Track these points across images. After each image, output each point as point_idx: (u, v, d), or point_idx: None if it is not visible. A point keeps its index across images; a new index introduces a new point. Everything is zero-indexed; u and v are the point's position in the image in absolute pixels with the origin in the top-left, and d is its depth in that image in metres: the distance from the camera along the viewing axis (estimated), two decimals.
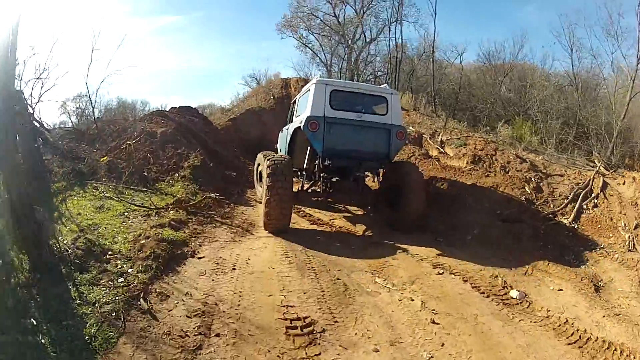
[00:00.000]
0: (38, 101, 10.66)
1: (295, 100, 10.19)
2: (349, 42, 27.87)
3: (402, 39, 25.49)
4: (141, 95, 65.08)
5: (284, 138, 10.40)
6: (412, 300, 5.62)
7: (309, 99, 8.17)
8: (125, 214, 8.05)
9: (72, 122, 15.59)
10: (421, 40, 27.59)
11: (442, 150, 13.55)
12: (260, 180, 10.71)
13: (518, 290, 6.00)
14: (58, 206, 8.42)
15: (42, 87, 10.59)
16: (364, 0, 27.63)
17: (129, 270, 5.48)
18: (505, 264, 7.11)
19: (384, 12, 27.31)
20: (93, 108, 12.24)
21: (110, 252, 6.02)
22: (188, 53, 65.88)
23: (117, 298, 4.82)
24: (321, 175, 8.56)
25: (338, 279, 6.08)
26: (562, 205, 9.08)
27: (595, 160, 12.26)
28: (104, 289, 5.01)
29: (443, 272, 6.67)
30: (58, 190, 9.37)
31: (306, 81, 23.85)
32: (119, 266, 5.62)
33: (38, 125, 10.73)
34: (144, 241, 6.31)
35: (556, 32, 24.03)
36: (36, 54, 10.16)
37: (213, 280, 5.66)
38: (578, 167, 11.14)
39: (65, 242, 5.99)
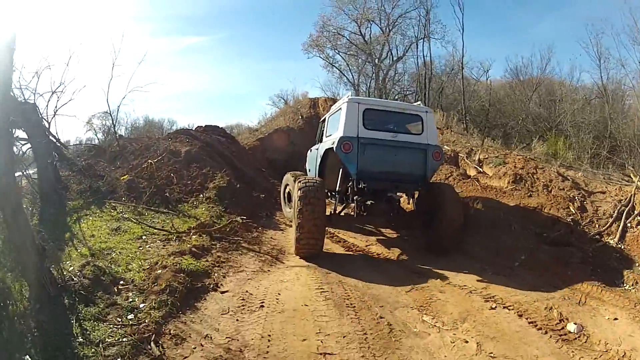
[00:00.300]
0: (54, 115, 10.19)
1: (325, 119, 9.64)
2: (376, 60, 27.01)
3: (430, 56, 24.65)
4: (168, 114, 64.68)
5: (313, 158, 9.82)
6: (467, 342, 4.73)
7: (341, 118, 7.71)
8: (143, 237, 7.29)
9: (98, 139, 15.16)
10: (448, 57, 26.69)
11: (480, 169, 12.49)
12: (289, 201, 10.32)
13: (575, 324, 5.22)
14: (71, 226, 7.76)
15: (57, 100, 10.09)
16: (389, 19, 26.84)
17: (141, 306, 4.64)
18: (558, 292, 6.29)
19: (410, 29, 26.52)
20: (114, 124, 11.71)
21: (121, 282, 5.24)
22: (212, 73, 66.20)
23: (124, 339, 3.97)
24: (355, 197, 7.94)
25: (381, 317, 5.15)
26: (607, 225, 8.17)
27: (631, 175, 11.10)
28: (111, 326, 4.21)
29: (496, 307, 5.72)
30: (74, 209, 8.75)
31: (334, 101, 23.07)
32: (130, 299, 4.81)
33: (54, 140, 10.17)
34: (160, 271, 5.49)
35: (583, 43, 22.54)
36: (51, 67, 9.35)
37: (237, 320, 4.80)
38: (615, 183, 10.06)
39: (71, 268, 5.25)
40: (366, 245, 8.82)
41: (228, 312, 4.95)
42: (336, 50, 28.16)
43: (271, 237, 8.97)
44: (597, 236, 7.96)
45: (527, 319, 5.36)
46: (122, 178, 10.15)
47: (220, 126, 16.38)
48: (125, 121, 23.53)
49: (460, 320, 5.27)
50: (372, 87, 26.84)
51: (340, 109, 7.95)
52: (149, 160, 10.51)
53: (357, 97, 8.54)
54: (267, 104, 45.72)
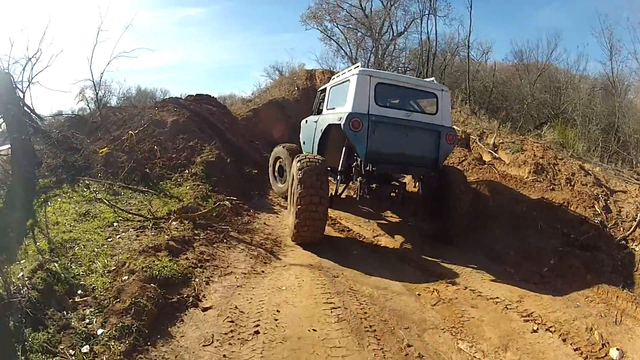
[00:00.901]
0: (29, 84, 8.98)
1: (325, 89, 8.57)
2: (376, 35, 25.69)
3: (435, 32, 23.24)
4: (162, 85, 63.02)
5: (310, 131, 8.79)
6: None
7: (350, 91, 6.88)
8: (115, 224, 6.18)
9: (90, 111, 13.76)
10: (450, 35, 25.48)
11: (495, 155, 11.44)
12: (280, 176, 9.86)
13: (617, 349, 4.60)
14: (37, 210, 6.63)
15: (32, 68, 8.84)
16: None
17: (99, 332, 3.52)
18: (594, 308, 5.53)
19: (412, 5, 25.18)
20: (97, 93, 10.30)
21: (79, 292, 4.12)
22: (209, 45, 64.13)
23: None
24: (359, 179, 7.24)
25: (409, 345, 4.08)
26: (632, 229, 7.31)
27: None
28: None
29: (538, 329, 4.80)
30: (43, 187, 7.64)
31: (332, 73, 21.85)
32: (87, 320, 3.71)
33: (29, 111, 8.98)
34: (126, 277, 4.36)
35: (595, 32, 21.46)
36: (28, 32, 8.10)
37: (225, 355, 3.62)
38: (631, 181, 9.09)
39: (21, 275, 4.14)
40: (374, 236, 7.79)
41: (212, 342, 3.75)
42: (334, 23, 27.06)
43: (264, 223, 7.85)
44: (622, 241, 7.17)
45: (571, 344, 4.61)
46: (100, 151, 8.94)
47: (212, 95, 15.01)
48: (118, 91, 22.49)
49: (502, 347, 4.32)
50: (371, 62, 25.61)
51: (348, 80, 7.10)
52: (130, 132, 9.25)
53: (368, 69, 7.34)
54: (261, 75, 44.84)
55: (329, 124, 7.39)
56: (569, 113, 19.10)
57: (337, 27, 27.18)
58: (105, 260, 4.91)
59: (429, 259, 6.91)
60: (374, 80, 6.83)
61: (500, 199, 8.64)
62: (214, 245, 6.04)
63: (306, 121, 9.64)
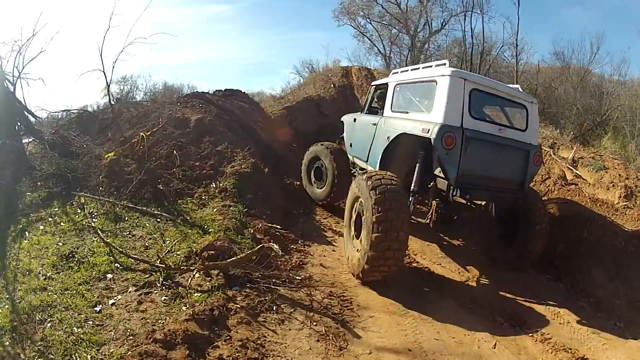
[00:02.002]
0: (19, 75, 6.91)
1: (385, 84, 7.01)
2: (412, 32, 23.61)
3: (483, 30, 20.98)
4: (189, 81, 62.00)
5: (365, 134, 7.20)
6: None
7: (439, 96, 5.42)
8: (109, 277, 4.03)
9: (104, 106, 11.66)
10: (493, 33, 23.40)
11: (576, 172, 9.22)
12: (318, 179, 8.40)
13: None
14: (8, 246, 4.53)
15: (23, 56, 6.83)
16: None
17: None
18: None
19: (450, 1, 24.08)
20: (108, 85, 8.06)
21: None
22: (236, 42, 61.97)
23: None
24: (434, 203, 6.06)
25: None
26: None
27: None
28: None
29: None
30: (27, 206, 5.55)
31: (368, 70, 19.90)
32: None
33: (21, 107, 7.08)
34: None
35: None
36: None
37: None
38: None
39: None
40: (464, 281, 5.84)
41: None
42: (368, 19, 25.39)
43: (321, 264, 5.59)
44: None
45: None
46: (106, 156, 6.78)
47: (242, 91, 12.72)
48: (144, 86, 21.19)
49: None
50: (409, 59, 23.66)
51: (433, 81, 5.60)
52: (141, 133, 7.03)
53: (460, 69, 6.02)
54: (290, 73, 43.48)
55: (400, 134, 5.86)
56: (614, 121, 17.08)
57: (371, 23, 25.56)
58: (88, 357, 2.70)
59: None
60: (468, 85, 5.40)
61: (594, 229, 6.86)
62: (260, 320, 3.75)
63: (354, 120, 7.90)
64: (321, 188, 8.28)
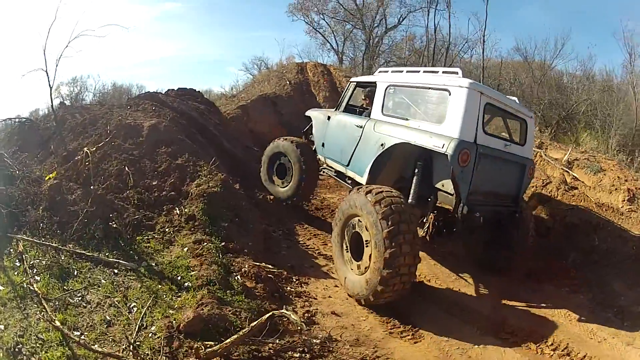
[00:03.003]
0: None
1: (372, 83, 6.37)
2: (368, 28, 22.86)
3: (450, 25, 20.55)
4: (139, 80, 59.15)
5: (347, 137, 6.52)
6: None
7: (455, 109, 4.97)
8: None
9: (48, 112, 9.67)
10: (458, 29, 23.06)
11: (573, 174, 8.69)
12: (279, 177, 7.83)
13: None
14: None
15: None
16: None
17: None
18: None
19: None
20: (50, 86, 6.29)
21: None
22: (187, 41, 59.31)
23: None
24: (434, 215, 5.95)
25: None
26: None
27: None
28: None
29: None
30: None
31: (324, 67, 18.77)
32: None
33: None
34: None
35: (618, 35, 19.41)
36: None
37: None
38: None
39: None
40: (492, 307, 5.30)
41: None
42: (322, 15, 24.86)
43: (332, 311, 4.58)
44: None
45: None
46: (47, 178, 5.23)
47: (197, 90, 11.12)
48: (94, 87, 19.95)
49: None
50: (362, 56, 23.42)
51: (445, 90, 5.13)
52: (85, 148, 5.47)
53: (476, 82, 5.27)
54: (239, 70, 42.03)
55: (397, 144, 5.41)
56: (581, 115, 17.37)
57: (324, 19, 24.95)
58: None
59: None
60: (484, 99, 5.08)
61: (604, 235, 6.78)
62: None
63: (328, 117, 7.13)
64: (285, 186, 7.66)
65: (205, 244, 4.87)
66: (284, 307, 4.19)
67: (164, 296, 3.77)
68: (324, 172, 7.48)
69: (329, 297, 4.96)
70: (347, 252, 5.11)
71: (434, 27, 19.69)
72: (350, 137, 6.36)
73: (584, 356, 4.29)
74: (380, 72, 6.69)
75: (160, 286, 3.93)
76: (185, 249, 4.70)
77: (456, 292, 5.60)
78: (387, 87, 5.97)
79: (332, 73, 18.30)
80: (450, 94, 5.04)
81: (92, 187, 5.15)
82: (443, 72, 5.56)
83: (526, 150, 6.07)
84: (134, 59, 48.87)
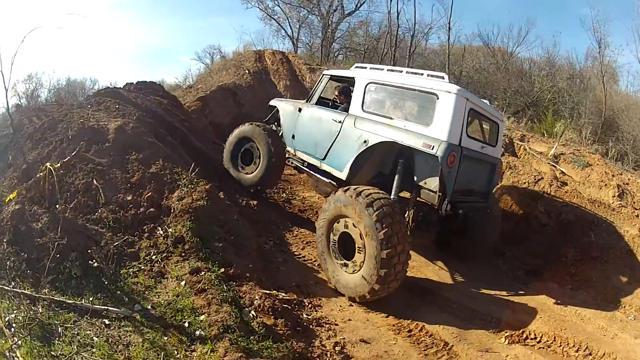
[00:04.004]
0: None
1: (350, 78, 6.53)
2: (324, 14, 22.46)
3: (415, 12, 20.31)
4: (91, 73, 55.77)
5: (312, 126, 6.80)
6: None
7: (443, 113, 5.29)
8: None
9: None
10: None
11: (560, 169, 8.81)
12: (245, 163, 7.56)
13: None
14: None
15: None
16: None
17: None
18: None
19: None
20: (7, 90, 5.06)
21: None
22: (138, 30, 56.23)
23: None
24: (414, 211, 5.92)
25: None
26: None
27: None
28: None
29: None
30: None
31: (283, 54, 18.19)
32: None
33: None
34: None
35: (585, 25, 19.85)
36: None
37: None
38: None
39: None
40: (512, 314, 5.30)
41: None
42: (276, 1, 23.91)
43: (361, 339, 4.26)
44: None
45: None
46: (7, 200, 4.30)
47: (157, 83, 10.08)
48: (49, 83, 17.43)
49: None
50: (317, 43, 23.15)
51: (433, 94, 5.45)
52: (48, 165, 4.54)
53: (463, 89, 5.57)
54: (192, 59, 40.35)
55: (381, 142, 5.66)
56: (547, 102, 17.28)
57: (279, 5, 23.97)
58: None
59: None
60: (468, 105, 5.48)
61: (600, 231, 6.98)
62: None
63: (299, 109, 7.12)
64: (251, 173, 7.41)
65: (203, 273, 4.18)
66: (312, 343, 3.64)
67: (175, 352, 3.08)
68: (292, 162, 7.32)
69: (349, 320, 4.64)
70: (336, 251, 5.22)
71: (397, 12, 19.12)
72: (326, 131, 6.43)
73: (603, 354, 4.45)
74: (357, 67, 6.69)
75: (166, 338, 3.22)
76: (183, 283, 3.99)
77: (473, 299, 5.57)
78: (367, 84, 6.14)
79: (291, 61, 17.65)
80: (438, 98, 5.36)
81: (57, 208, 4.31)
82: (428, 75, 5.77)
83: (497, 150, 6.60)
84: (87, 51, 46.05)
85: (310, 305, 4.73)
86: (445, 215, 5.45)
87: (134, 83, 9.23)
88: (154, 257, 4.41)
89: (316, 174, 6.72)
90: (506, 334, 4.71)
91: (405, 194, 5.89)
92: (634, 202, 7.63)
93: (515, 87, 18.13)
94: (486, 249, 6.85)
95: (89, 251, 4.02)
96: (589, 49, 18.55)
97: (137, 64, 49.40)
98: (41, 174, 4.53)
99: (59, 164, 4.61)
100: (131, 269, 4.16)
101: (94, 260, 3.90)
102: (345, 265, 5.07)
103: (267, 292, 4.31)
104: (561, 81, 17.55)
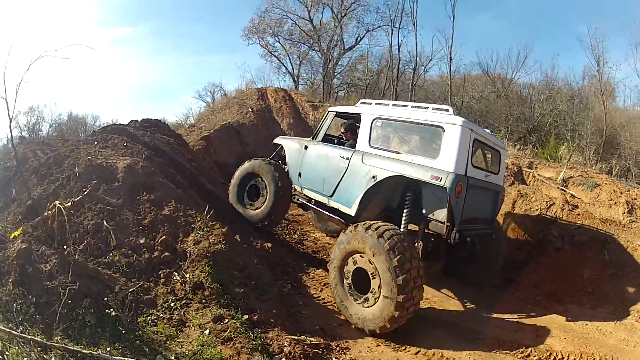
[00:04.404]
0: None
1: (356, 115, 6.58)
2: (324, 49, 22.66)
3: (416, 44, 20.79)
4: (92, 109, 56.20)
5: (320, 163, 6.80)
6: None
7: (449, 145, 5.37)
8: None
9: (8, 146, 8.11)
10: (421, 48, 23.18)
11: (570, 192, 8.89)
12: (251, 199, 7.49)
13: None
14: None
15: None
16: (343, 2, 22.63)
17: None
18: None
19: (367, 16, 23.04)
20: (10, 120, 4.83)
21: None
22: (139, 67, 56.00)
23: None
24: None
25: None
26: None
27: None
28: None
29: None
30: None
31: (285, 92, 18.13)
32: None
33: None
34: None
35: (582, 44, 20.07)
36: None
37: None
38: None
39: None
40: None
41: None
42: (277, 38, 23.92)
43: None
44: None
45: None
46: (12, 236, 4.05)
47: (162, 121, 9.89)
48: (50, 117, 17.80)
49: None
50: (320, 79, 22.98)
51: (439, 127, 5.54)
52: (57, 203, 4.25)
53: (468, 121, 5.63)
54: (193, 97, 40.50)
55: (390, 177, 5.71)
56: (548, 126, 17.44)
57: (279, 41, 24.01)
58: None
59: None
60: (473, 136, 5.59)
61: (613, 248, 7.05)
62: None
63: (305, 147, 7.10)
64: (257, 208, 7.33)
65: (227, 321, 3.85)
66: None
67: None
68: (299, 200, 7.28)
69: None
70: (351, 288, 5.22)
71: (398, 45, 19.34)
72: (334, 168, 6.43)
73: None
74: (362, 103, 6.74)
75: None
76: (207, 332, 3.65)
77: (498, 328, 5.54)
78: (373, 120, 6.16)
79: (293, 98, 17.57)
80: (444, 131, 5.42)
81: (67, 249, 4.00)
82: (433, 108, 5.88)
83: (499, 178, 6.67)
84: (88, 86, 46.30)
85: (338, 349, 4.50)
86: (453, 244, 5.50)
87: (139, 120, 9.01)
88: (172, 305, 4.07)
89: (324, 211, 6.65)
90: (535, 358, 4.73)
91: (413, 226, 5.90)
92: None
93: (516, 114, 18.10)
94: (494, 273, 6.99)
95: (104, 298, 3.67)
96: (585, 67, 18.73)
97: (137, 101, 49.62)
98: (49, 212, 4.23)
99: (69, 203, 4.33)
100: (149, 317, 3.82)
101: (110, 309, 3.54)
102: (361, 299, 5.09)
103: (295, 337, 3.97)
104: (561, 104, 17.65)
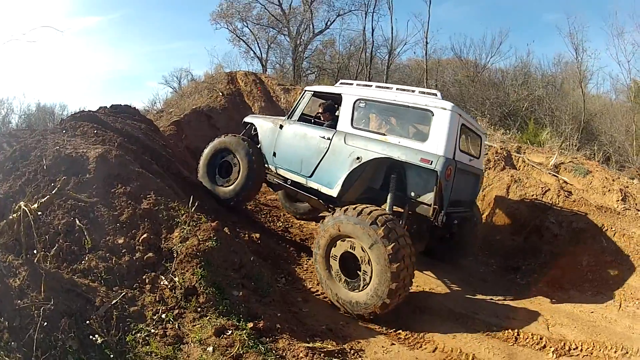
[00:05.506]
0: None
1: (337, 95, 6.45)
2: (294, 33, 22.18)
3: (392, 29, 20.14)
4: (61, 99, 53.34)
5: (297, 143, 6.60)
6: None
7: (438, 129, 5.44)
8: None
9: None
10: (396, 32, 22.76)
11: (562, 178, 8.94)
12: (222, 176, 7.18)
13: None
14: None
15: None
16: None
17: None
18: None
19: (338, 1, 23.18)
20: None
21: None
22: (108, 55, 53.81)
23: None
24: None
25: None
26: None
27: None
28: None
29: None
30: None
31: (256, 75, 17.61)
32: None
33: None
34: None
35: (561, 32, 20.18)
36: None
37: None
38: None
39: None
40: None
41: None
42: (245, 22, 23.17)
43: None
44: None
45: None
46: None
47: (132, 106, 9.09)
48: (19, 109, 17.77)
49: None
50: (287, 62, 22.83)
51: (428, 111, 5.55)
52: (22, 204, 3.59)
53: (455, 105, 5.61)
54: (159, 83, 39.14)
55: (377, 158, 5.70)
56: (524, 111, 17.44)
57: (247, 26, 23.27)
58: None
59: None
60: (460, 121, 5.67)
61: (610, 236, 7.15)
62: None
63: (280, 126, 6.84)
64: (229, 185, 7.05)
65: (231, 333, 3.33)
66: None
67: None
68: (273, 180, 7.09)
69: None
70: (338, 272, 5.18)
71: (372, 29, 18.90)
72: (313, 149, 6.31)
73: (637, 350, 4.64)
74: (342, 83, 6.64)
75: None
76: (210, 349, 3.13)
77: (512, 320, 5.43)
78: (356, 101, 6.10)
79: (264, 82, 17.00)
80: (433, 115, 5.46)
81: (36, 255, 3.40)
82: (420, 92, 5.88)
83: (480, 162, 6.87)
84: (56, 77, 44.81)
85: (352, 352, 4.16)
86: (440, 226, 5.55)
87: (108, 107, 8.24)
88: (163, 316, 3.52)
89: (301, 191, 6.54)
90: (551, 349, 4.72)
91: (397, 208, 5.85)
92: (636, 204, 7.84)
93: (492, 99, 18.06)
94: (471, 253, 7.43)
95: (84, 318, 3.08)
96: (556, 54, 19.44)
97: (105, 90, 47.81)
98: (14, 215, 3.58)
99: (36, 205, 3.67)
100: (139, 334, 3.26)
101: (95, 334, 2.96)
102: (350, 284, 5.09)
103: (309, 346, 3.51)
104: (537, 89, 17.76)
